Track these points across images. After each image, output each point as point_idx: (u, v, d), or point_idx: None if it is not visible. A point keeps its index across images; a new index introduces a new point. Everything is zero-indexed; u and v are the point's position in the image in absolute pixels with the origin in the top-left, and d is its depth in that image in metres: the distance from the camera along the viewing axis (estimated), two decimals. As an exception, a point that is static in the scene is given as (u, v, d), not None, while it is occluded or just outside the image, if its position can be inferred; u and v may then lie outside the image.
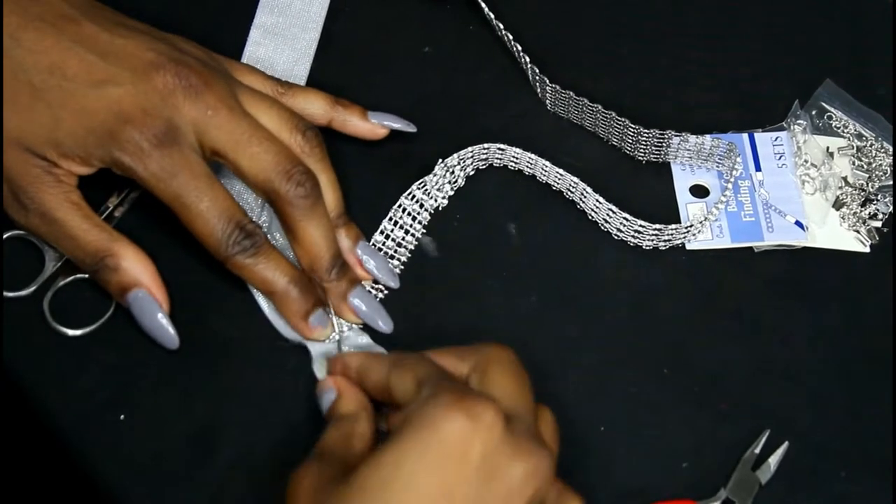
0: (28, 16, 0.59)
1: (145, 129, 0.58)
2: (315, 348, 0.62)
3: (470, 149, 0.67)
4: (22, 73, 0.59)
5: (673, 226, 0.65)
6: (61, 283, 0.63)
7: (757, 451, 0.61)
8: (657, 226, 0.65)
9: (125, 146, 0.58)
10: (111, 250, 0.60)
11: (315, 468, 0.54)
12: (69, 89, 0.59)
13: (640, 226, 0.65)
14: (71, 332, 0.62)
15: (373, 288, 0.65)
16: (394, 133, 0.68)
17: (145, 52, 0.60)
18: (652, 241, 0.66)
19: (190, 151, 0.59)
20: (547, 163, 0.67)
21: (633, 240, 0.66)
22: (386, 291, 0.65)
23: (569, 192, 0.68)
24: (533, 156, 0.67)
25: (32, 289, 0.63)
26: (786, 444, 0.61)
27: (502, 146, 0.67)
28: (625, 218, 0.65)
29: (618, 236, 0.67)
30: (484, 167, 0.69)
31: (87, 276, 0.62)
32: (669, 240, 0.66)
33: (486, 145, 0.67)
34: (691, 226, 0.66)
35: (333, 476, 0.52)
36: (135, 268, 0.61)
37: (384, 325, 0.63)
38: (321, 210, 0.61)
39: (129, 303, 0.61)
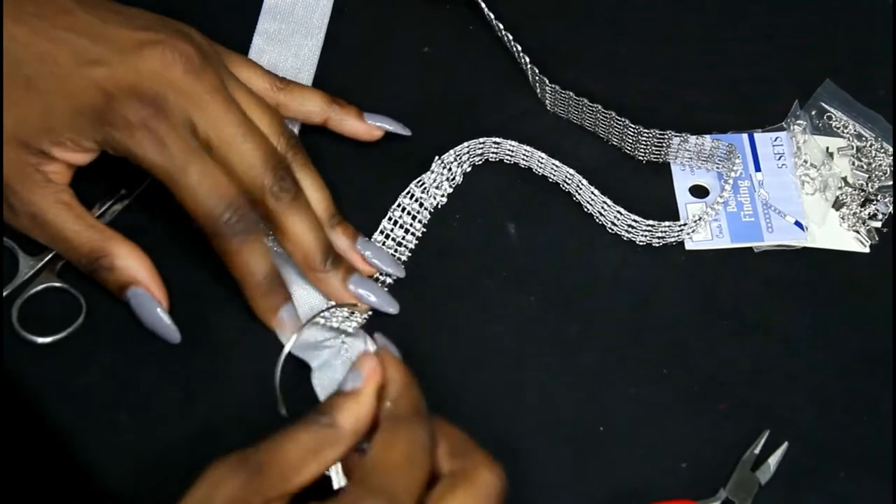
0: (23, 14, 0.60)
1: (134, 104, 0.58)
2: (316, 362, 0.62)
3: (466, 144, 0.67)
4: (17, 67, 0.59)
5: (666, 223, 0.65)
6: (32, 290, 0.62)
7: (757, 451, 0.61)
8: (650, 221, 0.65)
9: (114, 122, 0.58)
10: (105, 250, 0.60)
11: (242, 476, 0.50)
12: (59, 74, 0.59)
13: (633, 220, 0.65)
14: (40, 340, 0.62)
15: (378, 280, 0.65)
16: (391, 133, 0.68)
17: (137, 31, 0.60)
18: (645, 236, 0.66)
19: (181, 127, 0.59)
20: (543, 154, 0.67)
21: (626, 234, 0.66)
22: (391, 281, 0.65)
23: (565, 185, 0.68)
24: (528, 148, 0.67)
25: (5, 293, 0.63)
26: (785, 444, 0.61)
27: (497, 139, 0.67)
28: (618, 212, 0.65)
29: (612, 230, 0.67)
30: (479, 162, 0.69)
31: (58, 284, 0.62)
32: (663, 237, 0.66)
33: (481, 139, 0.67)
34: (685, 224, 0.66)
35: (257, 491, 0.49)
36: (130, 265, 0.61)
37: (390, 307, 0.63)
38: (305, 203, 0.62)
39: (128, 299, 0.61)
